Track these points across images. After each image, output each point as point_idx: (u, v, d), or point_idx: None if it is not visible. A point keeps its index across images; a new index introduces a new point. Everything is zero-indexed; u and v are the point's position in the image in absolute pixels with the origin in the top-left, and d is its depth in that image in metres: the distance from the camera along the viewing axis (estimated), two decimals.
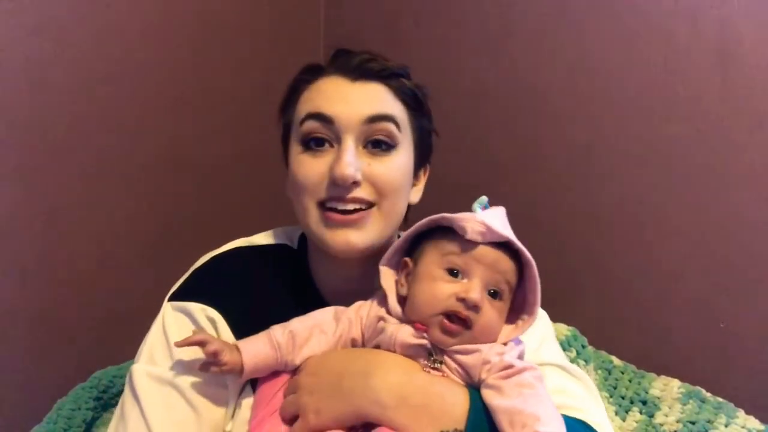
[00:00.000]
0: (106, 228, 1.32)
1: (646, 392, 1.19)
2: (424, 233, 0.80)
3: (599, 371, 1.24)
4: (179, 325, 0.85)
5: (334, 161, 0.84)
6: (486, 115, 1.45)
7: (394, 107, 0.88)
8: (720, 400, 1.15)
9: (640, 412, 1.18)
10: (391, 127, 0.86)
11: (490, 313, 0.76)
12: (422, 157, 0.94)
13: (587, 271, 1.34)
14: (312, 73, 0.91)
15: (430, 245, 0.79)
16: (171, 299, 0.88)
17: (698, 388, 1.17)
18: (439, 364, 0.76)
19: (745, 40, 1.13)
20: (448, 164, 1.51)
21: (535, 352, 0.89)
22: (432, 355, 0.76)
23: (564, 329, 1.25)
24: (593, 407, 0.87)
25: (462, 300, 0.74)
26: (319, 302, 0.88)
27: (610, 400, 1.21)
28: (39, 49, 1.18)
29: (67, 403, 1.16)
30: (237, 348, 0.80)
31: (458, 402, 0.73)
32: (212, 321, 0.86)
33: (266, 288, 0.90)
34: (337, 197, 0.84)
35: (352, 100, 0.86)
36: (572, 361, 1.20)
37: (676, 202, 1.22)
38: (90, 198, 1.29)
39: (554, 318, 1.27)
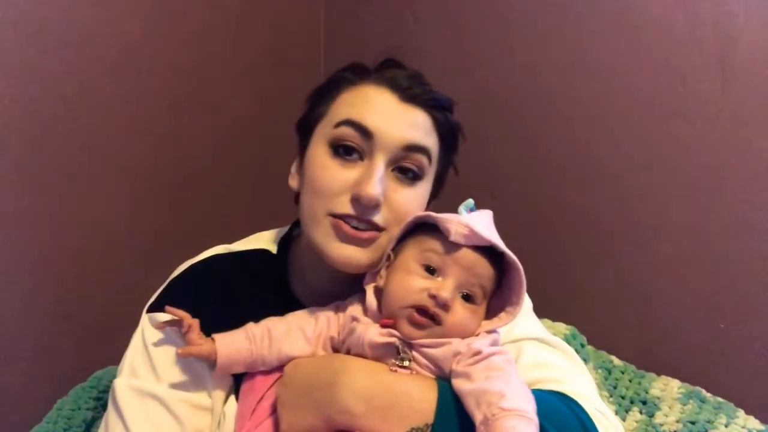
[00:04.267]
0: (106, 228, 1.32)
1: (646, 392, 1.20)
2: (410, 231, 0.80)
3: (599, 371, 1.25)
4: (158, 337, 0.85)
5: (361, 177, 0.81)
6: (486, 116, 1.45)
7: (432, 140, 0.85)
8: (720, 400, 1.15)
9: (640, 412, 1.18)
10: (425, 160, 0.84)
11: (461, 312, 0.76)
12: (438, 190, 0.92)
13: (587, 271, 1.34)
14: (357, 73, 0.87)
15: (412, 241, 0.79)
16: (149, 310, 0.88)
17: (698, 388, 1.17)
18: (408, 362, 0.75)
19: (745, 40, 1.13)
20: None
21: (509, 331, 0.87)
22: (399, 352, 0.76)
23: (563, 328, 1.25)
24: (574, 378, 0.85)
25: (433, 297, 0.74)
26: (296, 308, 0.87)
27: (610, 399, 1.21)
28: (38, 51, 1.18)
29: (67, 403, 1.17)
30: (213, 339, 0.81)
31: (426, 397, 0.72)
32: None
33: (243, 295, 0.89)
34: (354, 216, 0.81)
35: (396, 121, 0.82)
36: None
37: (677, 201, 1.22)
38: (91, 198, 1.29)
39: (554, 317, 1.28)
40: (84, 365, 1.19)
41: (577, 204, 1.34)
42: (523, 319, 0.91)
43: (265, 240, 0.97)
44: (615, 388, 1.23)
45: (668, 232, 1.24)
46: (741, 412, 1.12)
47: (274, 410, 0.80)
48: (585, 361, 1.22)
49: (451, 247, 0.76)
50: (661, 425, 1.14)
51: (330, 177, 0.82)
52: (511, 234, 1.42)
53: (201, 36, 1.44)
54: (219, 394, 0.85)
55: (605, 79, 1.28)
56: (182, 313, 0.82)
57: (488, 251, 0.77)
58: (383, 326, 0.77)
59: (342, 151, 0.82)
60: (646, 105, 1.24)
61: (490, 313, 0.80)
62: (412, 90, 0.84)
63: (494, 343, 0.77)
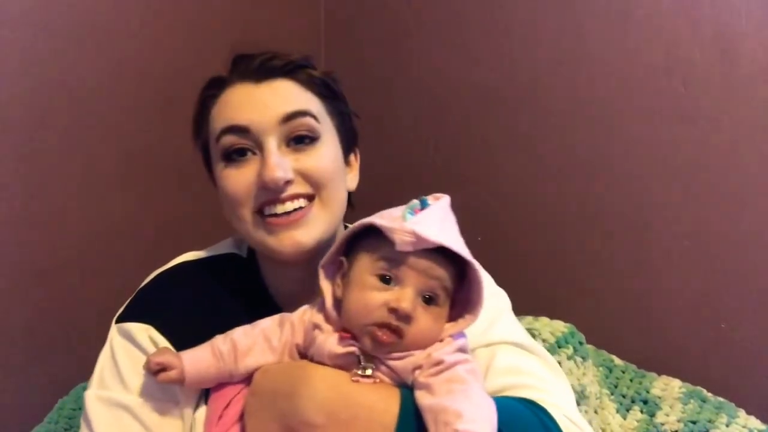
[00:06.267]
0: (106, 228, 1.32)
1: (647, 392, 1.20)
2: (361, 233, 0.77)
3: (600, 368, 1.25)
4: (125, 349, 0.85)
5: (260, 167, 0.82)
6: (486, 115, 1.46)
7: (307, 100, 0.86)
8: (721, 400, 1.15)
9: (641, 412, 1.18)
10: (309, 120, 0.84)
11: (424, 320, 0.73)
12: (348, 142, 0.91)
13: (587, 271, 1.34)
14: (216, 86, 0.88)
15: (363, 248, 0.76)
16: (117, 321, 0.87)
17: (699, 388, 1.17)
18: (370, 371, 0.74)
19: (745, 40, 1.13)
20: (448, 164, 1.52)
21: (483, 334, 0.85)
22: (361, 362, 0.74)
23: (561, 326, 1.25)
24: (548, 384, 0.83)
25: (393, 310, 0.71)
26: (273, 309, 0.86)
27: (611, 398, 1.21)
28: (39, 51, 1.19)
29: (68, 403, 1.17)
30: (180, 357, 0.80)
31: (388, 408, 0.71)
32: (154, 342, 0.84)
33: (214, 301, 0.88)
34: (272, 200, 0.82)
35: (261, 103, 0.84)
36: (569, 358, 1.20)
37: (677, 201, 1.23)
38: (90, 198, 1.29)
39: (554, 317, 1.28)
40: (85, 364, 1.18)
41: (577, 203, 1.35)
42: (500, 322, 0.89)
43: (232, 245, 0.97)
44: (616, 387, 1.23)
45: (668, 231, 1.24)
46: (742, 412, 1.12)
47: (240, 417, 0.78)
48: (584, 358, 1.22)
49: (402, 254, 0.72)
50: (662, 425, 1.14)
51: (234, 182, 0.84)
52: (512, 233, 1.44)
53: (202, 36, 1.45)
54: (189, 402, 0.84)
55: (606, 80, 1.28)
56: (168, 360, 0.79)
57: (443, 249, 0.73)
58: (342, 338, 0.75)
59: (235, 156, 0.84)
60: (647, 105, 1.24)
61: (455, 313, 0.77)
62: (265, 68, 0.86)
63: (461, 350, 0.75)
